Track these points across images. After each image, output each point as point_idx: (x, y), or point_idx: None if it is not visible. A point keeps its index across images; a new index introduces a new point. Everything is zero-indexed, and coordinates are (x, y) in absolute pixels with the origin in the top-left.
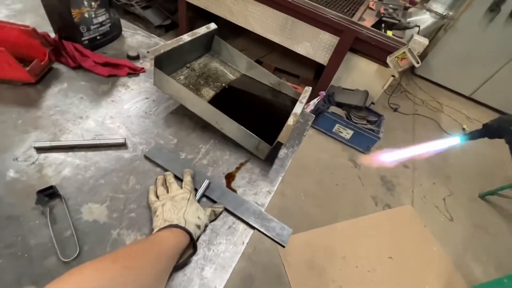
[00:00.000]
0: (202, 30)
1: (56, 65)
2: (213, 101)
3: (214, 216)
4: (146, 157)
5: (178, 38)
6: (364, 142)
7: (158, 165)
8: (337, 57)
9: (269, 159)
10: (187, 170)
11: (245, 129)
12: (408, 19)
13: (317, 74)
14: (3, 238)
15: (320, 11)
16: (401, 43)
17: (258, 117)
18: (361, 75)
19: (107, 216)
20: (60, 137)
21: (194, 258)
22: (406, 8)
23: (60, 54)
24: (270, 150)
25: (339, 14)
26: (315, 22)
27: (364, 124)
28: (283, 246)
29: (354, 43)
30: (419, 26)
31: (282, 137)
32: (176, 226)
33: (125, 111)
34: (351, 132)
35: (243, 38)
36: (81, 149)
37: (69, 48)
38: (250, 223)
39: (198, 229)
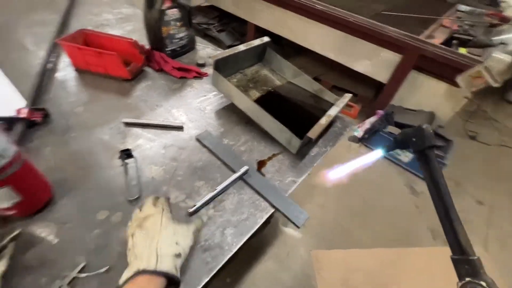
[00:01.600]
0: (256, 42)
1: (146, 68)
2: (258, 101)
3: (198, 232)
4: (197, 139)
5: (235, 47)
6: None
7: (204, 146)
8: (399, 75)
9: (300, 154)
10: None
11: (280, 123)
12: (495, 37)
13: (377, 93)
14: (96, 179)
15: (380, 29)
16: (474, 61)
17: (296, 117)
18: (428, 96)
19: (161, 176)
20: (140, 117)
21: (219, 219)
22: (493, 25)
23: (150, 60)
24: (300, 145)
25: (402, 32)
26: (375, 40)
27: None
28: (298, 227)
29: (419, 61)
30: (505, 44)
31: (311, 132)
32: (143, 271)
33: (187, 104)
34: (410, 155)
35: (303, 56)
36: (152, 127)
37: (156, 56)
38: (272, 202)
39: (178, 259)
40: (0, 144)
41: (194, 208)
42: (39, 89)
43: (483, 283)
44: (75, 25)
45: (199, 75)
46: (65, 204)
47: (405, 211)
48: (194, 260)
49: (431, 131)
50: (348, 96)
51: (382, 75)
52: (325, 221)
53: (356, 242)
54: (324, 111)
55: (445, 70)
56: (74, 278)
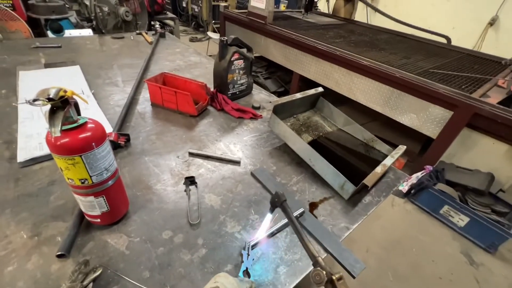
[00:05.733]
0: (311, 92)
1: (209, 107)
2: (310, 144)
3: None
4: (252, 174)
5: (292, 95)
6: (488, 236)
7: (259, 181)
8: (449, 132)
9: (352, 201)
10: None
11: (334, 167)
12: None
13: (424, 148)
14: (163, 200)
15: (429, 86)
16: None
17: (347, 164)
18: (483, 155)
19: (219, 205)
20: (203, 149)
21: (272, 256)
22: None
23: (213, 100)
24: (354, 191)
25: (454, 89)
26: (423, 95)
27: (488, 213)
28: (354, 277)
29: (473, 119)
30: None
31: (368, 180)
32: None
33: (243, 141)
34: (466, 219)
35: (345, 106)
36: (212, 159)
37: (219, 97)
38: (326, 246)
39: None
40: (110, 159)
41: (254, 242)
42: (124, 118)
43: (319, 268)
44: (154, 68)
45: (255, 117)
46: (136, 220)
47: (464, 283)
48: None
49: (282, 193)
50: (403, 147)
51: (430, 130)
52: (366, 281)
53: None
54: (375, 160)
55: (505, 130)
56: None
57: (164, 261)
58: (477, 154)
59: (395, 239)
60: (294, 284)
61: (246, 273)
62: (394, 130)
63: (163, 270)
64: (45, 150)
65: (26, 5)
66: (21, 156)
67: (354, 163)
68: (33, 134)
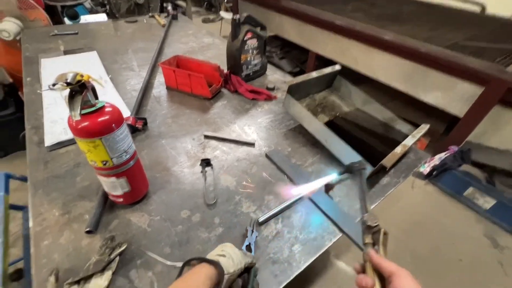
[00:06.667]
0: (327, 70)
1: (223, 89)
2: (326, 125)
3: (248, 265)
4: (267, 156)
5: (308, 74)
6: None
7: (273, 163)
8: (479, 109)
9: (370, 182)
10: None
11: (351, 148)
12: None
13: (449, 128)
14: (180, 181)
15: (458, 60)
16: None
17: (365, 145)
18: None
19: (234, 186)
20: (217, 131)
21: (287, 235)
22: None
23: (227, 82)
24: (371, 173)
25: (486, 63)
26: (451, 70)
27: None
28: None
29: (506, 96)
30: None
31: (386, 160)
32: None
33: (258, 123)
34: (492, 202)
35: (364, 85)
36: (227, 141)
37: (233, 79)
38: (341, 227)
39: (220, 257)
40: (128, 142)
41: (264, 218)
42: (141, 102)
43: (373, 216)
44: (168, 51)
45: (269, 98)
46: (155, 199)
47: (486, 267)
48: (264, 270)
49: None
50: (425, 127)
51: (457, 108)
52: None
53: None
54: (393, 141)
55: None
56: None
57: (183, 238)
58: (510, 133)
59: (414, 222)
60: (309, 262)
61: (249, 248)
62: (416, 110)
63: (182, 247)
64: (69, 135)
65: None
66: (48, 141)
67: (372, 144)
68: (58, 119)
